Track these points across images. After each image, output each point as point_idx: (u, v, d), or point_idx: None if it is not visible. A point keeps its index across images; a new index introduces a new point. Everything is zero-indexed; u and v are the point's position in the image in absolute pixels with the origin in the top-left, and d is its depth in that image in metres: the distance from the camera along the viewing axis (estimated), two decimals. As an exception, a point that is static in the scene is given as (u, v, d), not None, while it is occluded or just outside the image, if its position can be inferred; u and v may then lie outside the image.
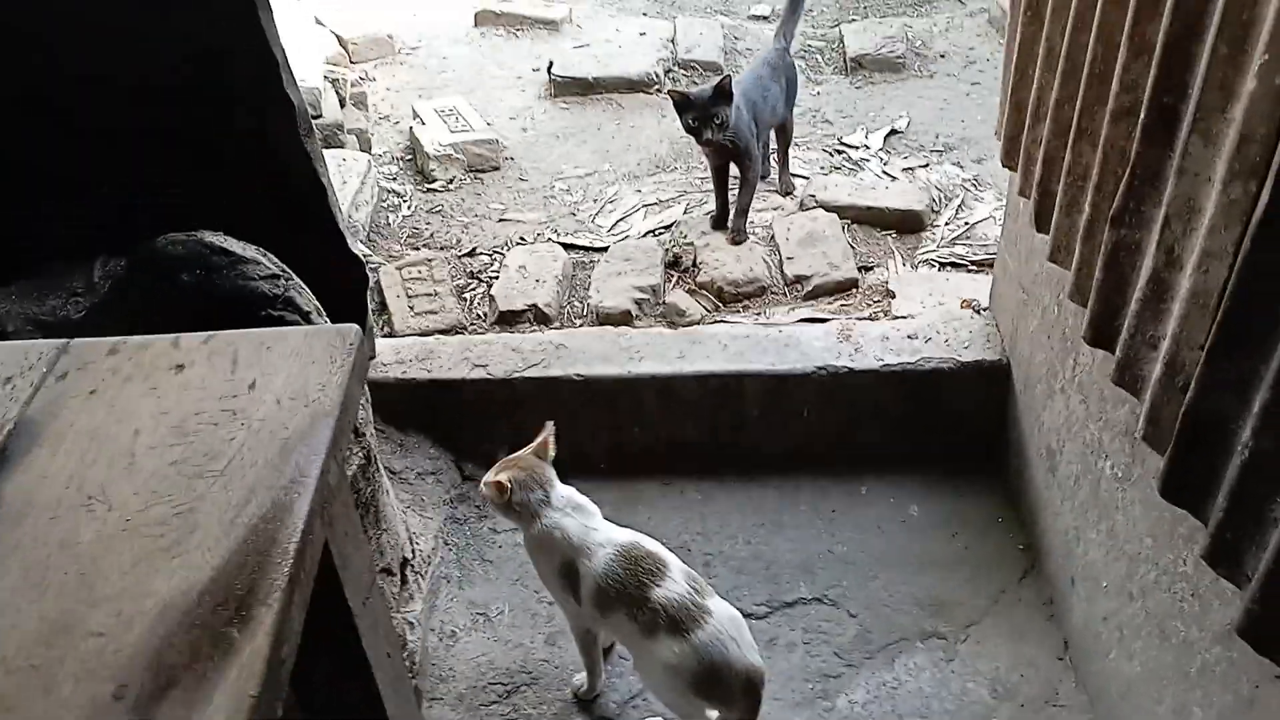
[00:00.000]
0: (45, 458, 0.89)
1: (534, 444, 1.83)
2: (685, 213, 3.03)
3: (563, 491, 1.82)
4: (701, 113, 2.63)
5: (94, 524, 0.83)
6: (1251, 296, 1.08)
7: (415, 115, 3.57)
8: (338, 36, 4.17)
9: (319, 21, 4.30)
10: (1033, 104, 1.72)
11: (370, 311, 2.37)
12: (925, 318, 2.41)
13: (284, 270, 1.69)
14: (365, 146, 3.41)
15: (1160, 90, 1.26)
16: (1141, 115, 1.30)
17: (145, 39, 1.80)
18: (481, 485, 1.78)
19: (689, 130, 2.66)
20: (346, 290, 2.10)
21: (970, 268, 2.68)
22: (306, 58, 3.55)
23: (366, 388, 1.97)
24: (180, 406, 0.94)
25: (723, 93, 2.64)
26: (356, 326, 1.02)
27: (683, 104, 2.68)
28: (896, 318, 2.46)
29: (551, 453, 1.83)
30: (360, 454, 1.69)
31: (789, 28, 3.08)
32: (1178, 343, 1.25)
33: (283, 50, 1.89)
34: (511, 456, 1.82)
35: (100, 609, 0.76)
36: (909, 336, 2.31)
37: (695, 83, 3.78)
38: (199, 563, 0.79)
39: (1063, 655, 1.96)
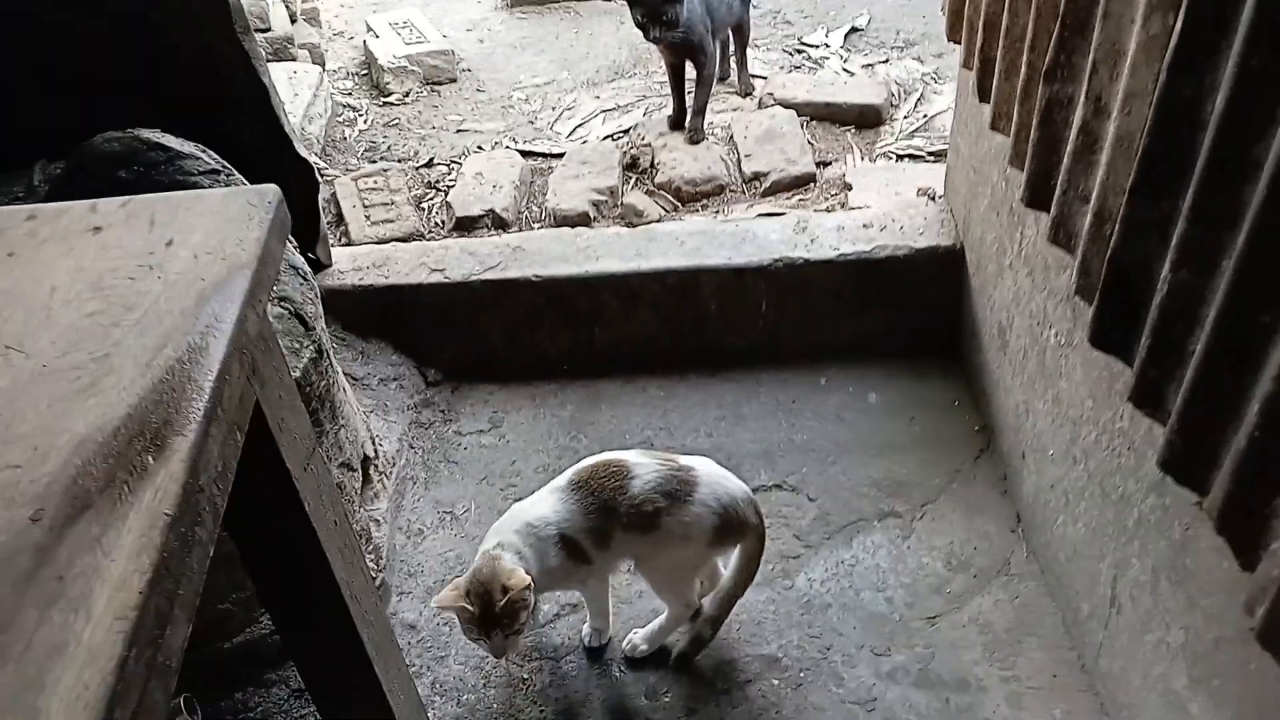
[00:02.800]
0: (-38, 316, 0.89)
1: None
2: (644, 116, 3.01)
3: (505, 536, 1.66)
4: (650, 10, 2.60)
5: (10, 371, 0.83)
6: (1168, 131, 1.09)
7: (369, 29, 3.51)
8: (288, -47, 4.07)
9: (269, -61, 4.20)
10: (973, -29, 1.71)
11: (323, 217, 2.36)
12: (881, 207, 2.42)
13: (224, 165, 1.68)
14: (319, 62, 3.36)
15: (1086, -64, 1.25)
16: (1070, -36, 1.30)
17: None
18: (519, 595, 1.54)
19: (638, 26, 2.63)
20: (296, 192, 2.09)
21: (928, 159, 2.68)
22: (254, -27, 3.47)
23: (319, 292, 1.97)
24: (97, 265, 0.94)
25: (675, -9, 2.61)
26: (275, 186, 1.02)
27: (633, 0, 2.64)
28: (853, 209, 2.46)
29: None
30: (311, 348, 1.69)
31: None
32: (1105, 190, 1.27)
33: (212, -54, 1.85)
34: (474, 584, 1.58)
35: (17, 445, 0.77)
36: (864, 226, 2.32)
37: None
38: (115, 401, 0.80)
39: (1015, 528, 2.00)
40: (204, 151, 1.68)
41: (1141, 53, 1.15)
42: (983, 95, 1.72)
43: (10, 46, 1.81)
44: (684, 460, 1.72)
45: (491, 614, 1.54)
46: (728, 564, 1.80)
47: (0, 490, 0.74)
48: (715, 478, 1.70)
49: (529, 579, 1.55)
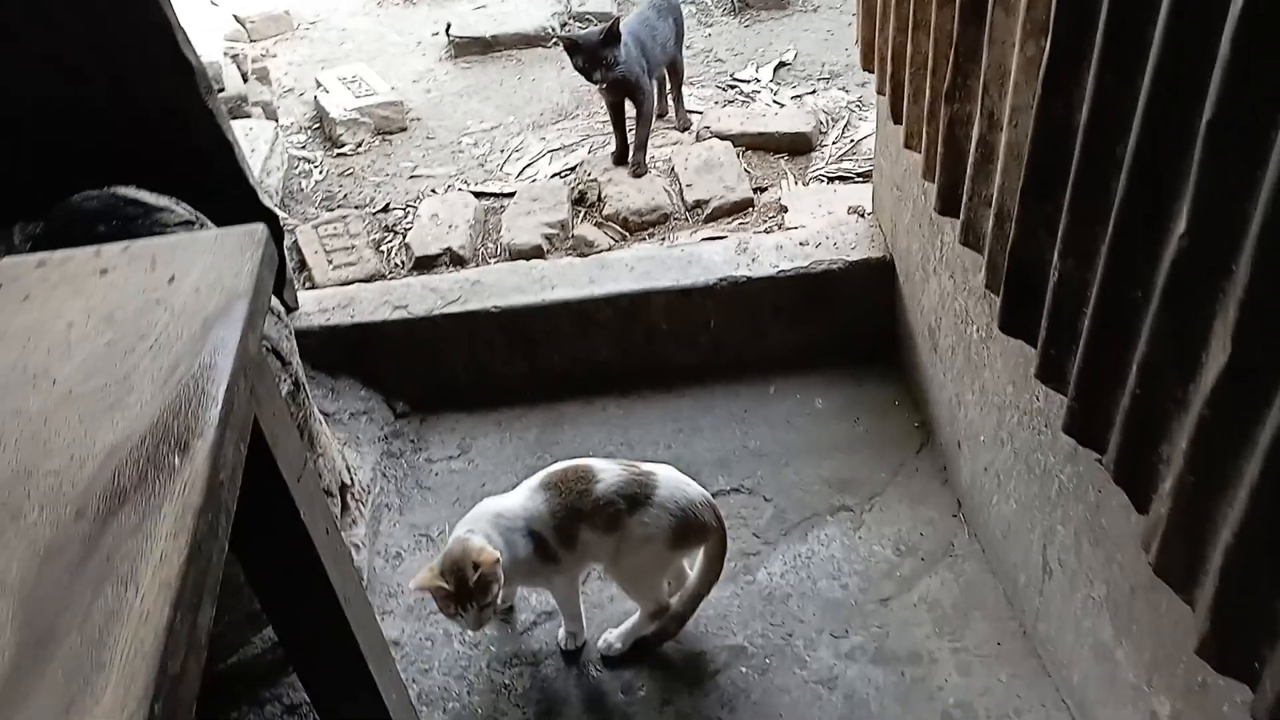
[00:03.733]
0: (-12, 353, 1.00)
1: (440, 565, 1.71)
2: (589, 154, 3.16)
3: (476, 524, 1.77)
4: (591, 55, 2.76)
5: (40, 396, 0.94)
6: (1046, 140, 1.25)
7: (319, 85, 3.63)
8: (235, 16, 4.20)
9: (214, 3, 4.33)
10: (880, 7, 1.88)
11: (289, 266, 2.47)
12: (815, 226, 2.58)
13: (197, 216, 1.79)
14: (272, 117, 3.47)
15: (969, -28, 1.42)
16: (958, -2, 1.46)
17: (36, 7, 1.87)
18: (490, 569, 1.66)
19: (580, 71, 2.79)
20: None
21: (856, 179, 2.85)
22: (204, 36, 3.59)
23: (294, 335, 2.07)
24: (107, 302, 1.05)
25: (611, 36, 2.77)
26: (263, 224, 1.14)
27: (573, 48, 2.80)
28: (790, 229, 2.62)
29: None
30: (289, 381, 1.80)
31: None
32: (1003, 194, 1.43)
33: (175, 14, 1.97)
34: (447, 564, 1.69)
35: (54, 457, 0.88)
36: (801, 243, 2.48)
37: (590, 31, 3.90)
38: (138, 415, 0.91)
39: (957, 513, 2.15)
40: (178, 204, 1.79)
41: (1021, 72, 1.31)
42: (896, 118, 1.88)
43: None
44: (646, 467, 1.85)
45: (466, 589, 1.65)
46: (693, 565, 1.92)
47: (45, 494, 0.85)
48: (675, 483, 1.83)
49: (497, 554, 1.67)
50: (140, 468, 0.86)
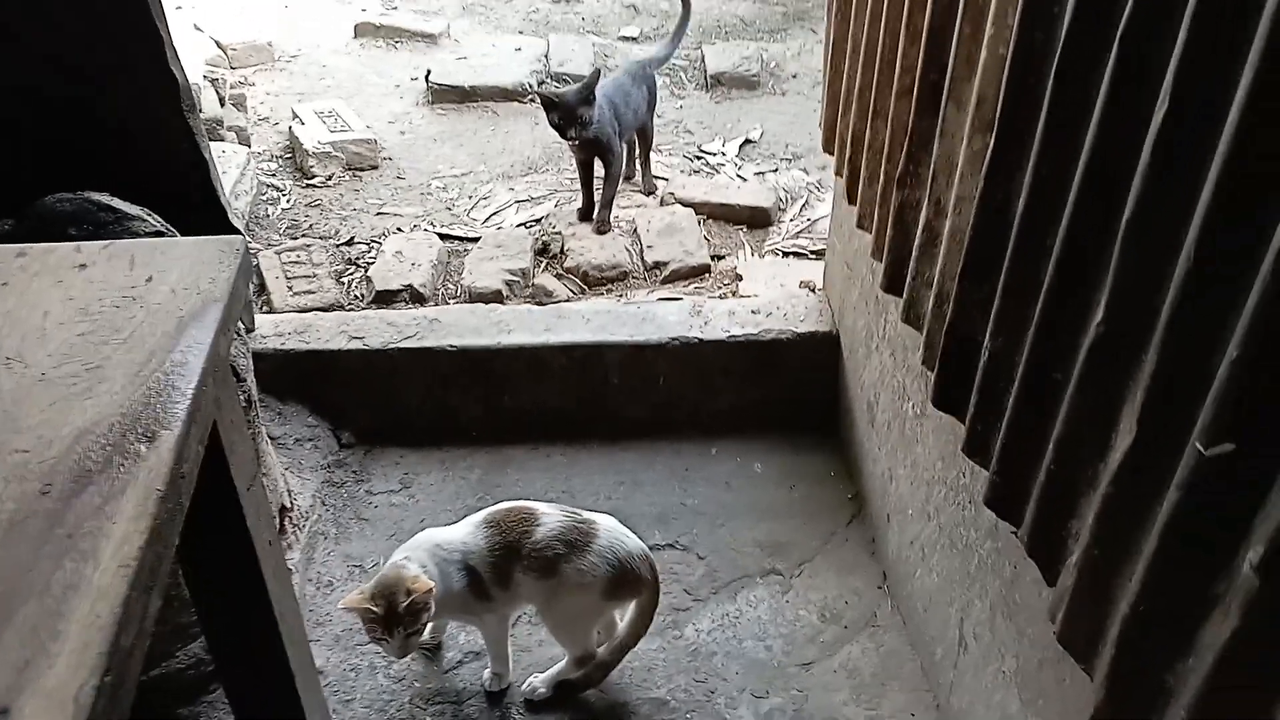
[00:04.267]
0: (-37, 335, 1.02)
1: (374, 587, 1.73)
2: (556, 207, 3.25)
3: (414, 552, 1.81)
4: (566, 113, 2.86)
5: (13, 378, 0.97)
6: (986, 227, 1.35)
7: (295, 116, 3.69)
8: (216, 42, 4.25)
9: (197, 28, 4.38)
10: (844, 94, 1.99)
11: (250, 288, 2.49)
12: (768, 296, 2.68)
13: (168, 228, 1.82)
14: (244, 144, 3.51)
15: (927, 68, 1.53)
16: (915, 91, 1.57)
17: (32, 7, 1.91)
18: (421, 597, 1.68)
19: (554, 127, 2.88)
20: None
21: (810, 256, 2.97)
22: (185, 58, 3.62)
23: (250, 354, 2.09)
24: (85, 295, 1.08)
25: (587, 96, 2.88)
26: (242, 236, 1.18)
27: (550, 104, 2.90)
28: (743, 297, 2.71)
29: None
30: (243, 397, 1.82)
31: (668, 48, 3.39)
32: (943, 276, 1.52)
33: (167, 29, 2.02)
34: (379, 588, 1.71)
35: (24, 435, 0.90)
36: (752, 311, 2.57)
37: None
38: (109, 403, 0.94)
39: (882, 585, 2.21)
40: (149, 214, 1.82)
41: (968, 165, 1.42)
42: (850, 199, 1.99)
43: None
44: (589, 515, 1.89)
45: (395, 615, 1.67)
46: (624, 616, 1.95)
47: (12, 470, 0.87)
48: (614, 534, 1.87)
49: (432, 584, 1.69)
50: (107, 452, 0.89)
